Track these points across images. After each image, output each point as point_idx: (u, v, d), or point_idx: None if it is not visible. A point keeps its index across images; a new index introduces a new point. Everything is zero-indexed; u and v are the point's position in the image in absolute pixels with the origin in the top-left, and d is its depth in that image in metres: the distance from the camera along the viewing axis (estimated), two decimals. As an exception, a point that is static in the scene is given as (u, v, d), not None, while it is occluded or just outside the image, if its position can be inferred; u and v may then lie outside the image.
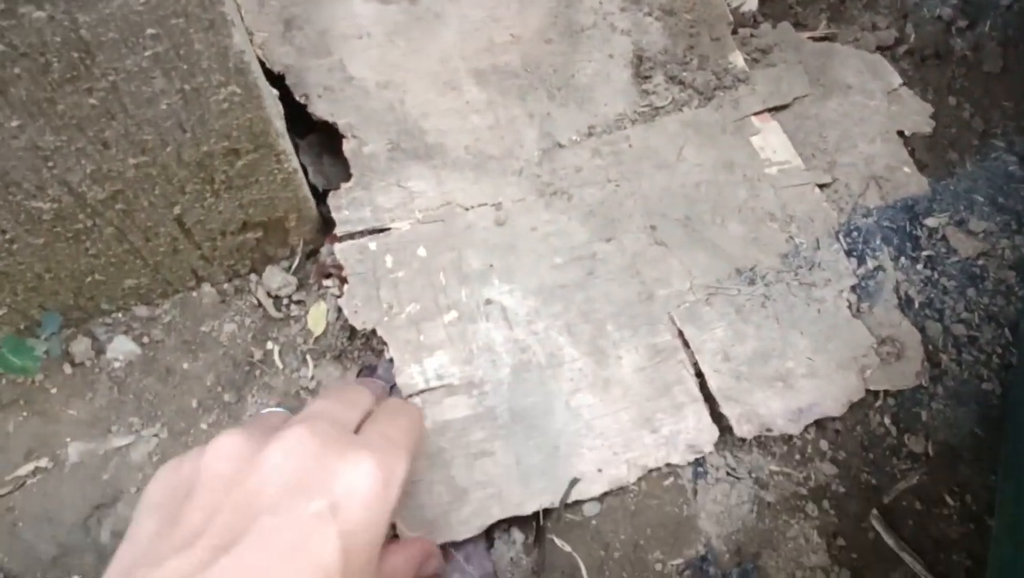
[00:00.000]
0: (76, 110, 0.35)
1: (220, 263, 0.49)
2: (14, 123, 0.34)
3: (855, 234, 0.54)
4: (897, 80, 0.61)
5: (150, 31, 0.33)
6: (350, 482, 0.26)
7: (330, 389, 0.33)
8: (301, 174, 0.46)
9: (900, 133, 0.58)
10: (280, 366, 0.49)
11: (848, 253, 0.53)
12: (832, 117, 0.59)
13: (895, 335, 0.50)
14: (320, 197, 0.50)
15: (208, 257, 0.48)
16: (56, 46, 0.32)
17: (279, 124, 0.42)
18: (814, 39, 0.63)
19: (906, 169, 0.57)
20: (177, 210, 0.43)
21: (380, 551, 0.28)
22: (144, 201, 0.41)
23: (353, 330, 0.49)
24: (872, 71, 0.61)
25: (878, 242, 0.54)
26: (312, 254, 0.52)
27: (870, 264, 0.53)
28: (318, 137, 0.53)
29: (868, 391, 0.48)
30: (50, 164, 0.37)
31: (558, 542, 0.43)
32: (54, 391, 0.46)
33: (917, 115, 0.59)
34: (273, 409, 0.33)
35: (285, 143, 0.43)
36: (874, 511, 0.46)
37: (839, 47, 0.62)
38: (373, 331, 0.46)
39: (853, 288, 0.51)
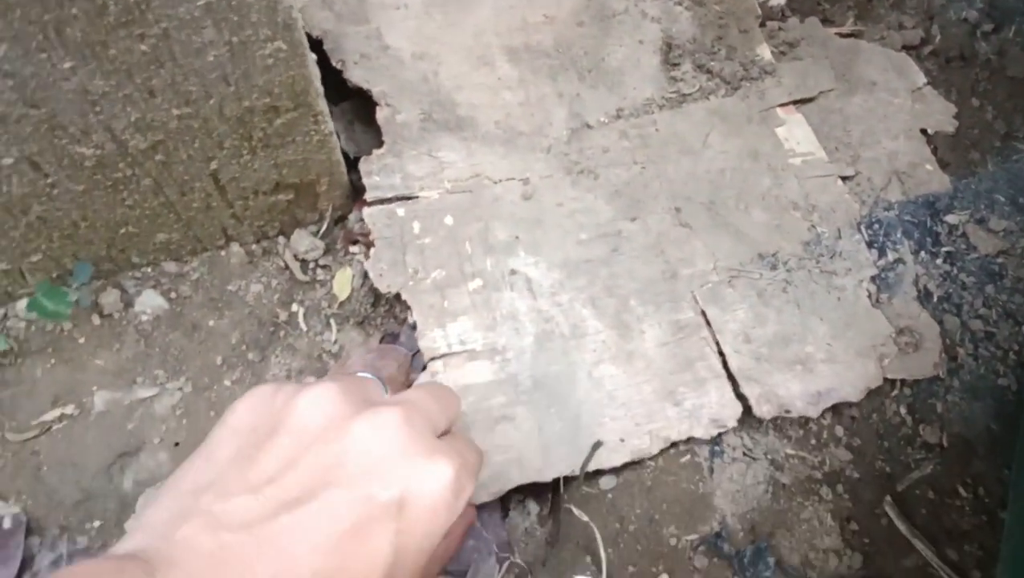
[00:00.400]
0: (127, 55, 0.35)
1: (250, 223, 0.49)
2: (67, 64, 0.34)
3: (876, 226, 0.54)
4: (921, 79, 0.61)
5: (205, -21, 0.34)
6: (426, 482, 0.26)
7: (427, 384, 0.33)
8: (335, 138, 0.47)
9: (923, 131, 0.59)
10: (304, 328, 0.49)
11: (869, 244, 0.53)
12: (856, 112, 0.59)
13: (913, 326, 0.50)
14: (351, 164, 0.51)
15: (239, 216, 0.48)
16: (114, -12, 0.32)
17: (318, 85, 0.43)
18: (841, 35, 0.64)
19: (928, 166, 0.58)
20: (214, 165, 0.43)
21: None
22: (183, 154, 0.42)
23: (377, 296, 0.50)
24: (897, 69, 0.62)
25: (899, 235, 0.54)
26: (340, 220, 0.52)
27: (890, 256, 0.53)
28: (351, 104, 0.54)
29: (885, 379, 0.48)
30: (97, 109, 0.37)
31: (575, 511, 0.44)
32: (82, 340, 0.47)
33: (940, 114, 0.60)
34: (367, 376, 0.33)
35: (323, 104, 0.44)
36: (888, 498, 0.46)
37: (865, 44, 0.63)
38: (397, 296, 0.47)
39: (873, 278, 0.52)
